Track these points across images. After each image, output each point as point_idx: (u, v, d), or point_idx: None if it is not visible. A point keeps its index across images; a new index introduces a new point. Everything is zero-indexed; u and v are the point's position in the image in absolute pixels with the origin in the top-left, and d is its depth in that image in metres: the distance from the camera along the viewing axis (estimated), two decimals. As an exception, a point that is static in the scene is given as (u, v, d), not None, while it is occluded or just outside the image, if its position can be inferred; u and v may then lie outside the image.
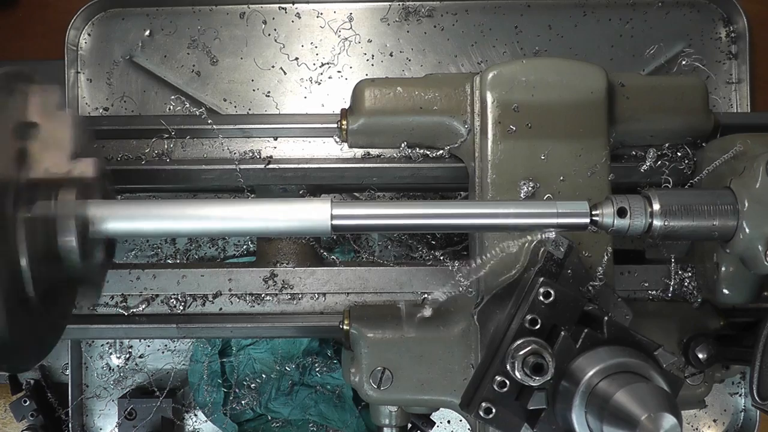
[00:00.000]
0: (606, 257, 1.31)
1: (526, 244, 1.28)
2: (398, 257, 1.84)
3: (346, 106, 1.45)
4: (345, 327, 1.40)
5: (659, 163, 1.45)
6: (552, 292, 1.11)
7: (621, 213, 1.17)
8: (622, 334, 1.11)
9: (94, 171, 1.21)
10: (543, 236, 1.20)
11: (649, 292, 1.46)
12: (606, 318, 1.11)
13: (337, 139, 1.52)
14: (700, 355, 1.38)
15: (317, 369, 1.87)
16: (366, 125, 1.41)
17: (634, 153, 1.46)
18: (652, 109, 1.39)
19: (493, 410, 1.10)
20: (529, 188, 1.31)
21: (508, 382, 1.09)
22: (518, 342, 1.10)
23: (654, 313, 1.44)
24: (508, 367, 1.09)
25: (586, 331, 1.10)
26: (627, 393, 0.98)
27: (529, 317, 1.11)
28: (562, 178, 1.32)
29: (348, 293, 1.51)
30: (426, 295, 1.47)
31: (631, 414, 0.95)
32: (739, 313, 1.44)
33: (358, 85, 1.42)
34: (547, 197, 1.31)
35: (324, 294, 1.51)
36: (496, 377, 1.10)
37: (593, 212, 1.16)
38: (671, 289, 1.45)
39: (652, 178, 1.46)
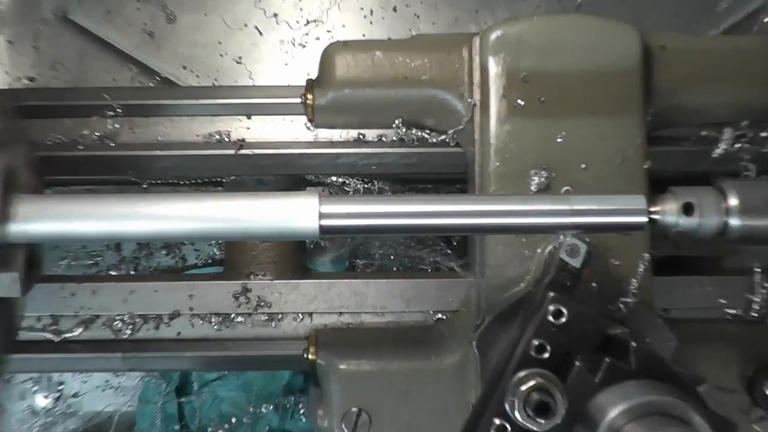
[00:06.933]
0: (642, 267, 1.32)
1: (539, 250, 1.31)
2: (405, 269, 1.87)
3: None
4: (310, 356, 1.42)
5: (736, 146, 1.46)
6: (564, 310, 1.13)
7: (687, 210, 1.20)
8: (654, 364, 1.12)
9: (17, 159, 1.25)
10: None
11: (726, 310, 1.48)
12: (633, 344, 1.12)
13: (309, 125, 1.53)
14: (771, 394, 1.40)
15: (301, 411, 1.90)
16: (336, 100, 1.43)
17: (704, 134, 1.48)
18: (702, 79, 1.41)
19: (491, 462, 1.13)
20: (542, 179, 1.33)
21: (508, 427, 1.11)
22: (521, 374, 1.12)
23: (709, 338, 1.45)
24: (507, 406, 1.11)
25: (607, 360, 1.11)
26: (659, 442, 1.00)
27: (535, 343, 1.13)
28: (583, 165, 1.34)
29: (341, 312, 1.53)
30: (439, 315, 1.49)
31: (662, 469, 0.98)
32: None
33: (326, 50, 1.45)
34: (564, 190, 1.33)
35: (310, 314, 1.53)
36: (494, 420, 1.12)
37: (651, 209, 1.19)
38: (755, 306, 1.46)
39: (726, 166, 1.47)
